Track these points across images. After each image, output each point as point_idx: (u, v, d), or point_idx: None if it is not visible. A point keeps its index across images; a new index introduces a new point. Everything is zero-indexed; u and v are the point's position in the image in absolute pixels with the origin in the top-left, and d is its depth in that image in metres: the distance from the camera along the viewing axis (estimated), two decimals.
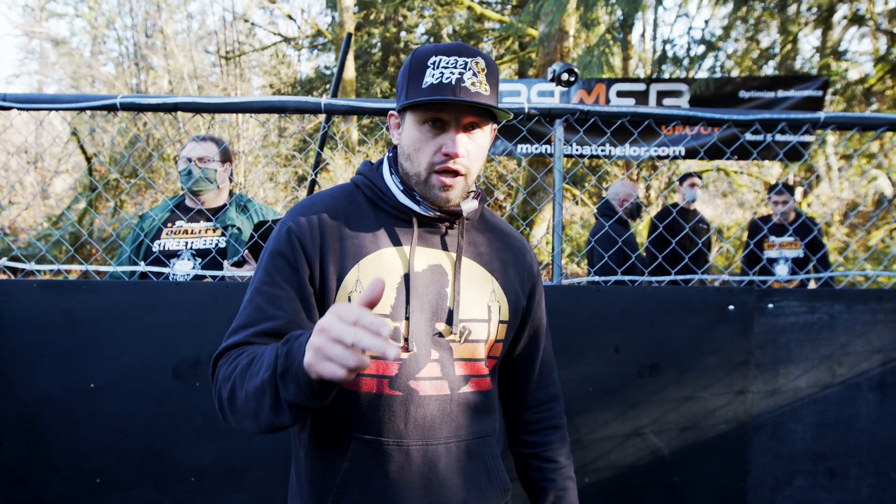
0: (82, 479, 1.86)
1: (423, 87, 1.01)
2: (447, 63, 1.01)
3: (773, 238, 4.33)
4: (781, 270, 4.26)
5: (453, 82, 1.00)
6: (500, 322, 1.12)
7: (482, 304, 1.10)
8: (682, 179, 4.73)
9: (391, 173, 1.12)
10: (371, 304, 0.77)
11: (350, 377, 0.76)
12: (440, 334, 1.07)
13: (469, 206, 1.11)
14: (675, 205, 4.95)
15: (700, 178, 4.69)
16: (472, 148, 1.05)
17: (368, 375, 1.04)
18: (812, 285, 4.01)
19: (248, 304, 1.05)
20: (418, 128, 1.04)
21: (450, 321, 1.07)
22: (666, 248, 3.36)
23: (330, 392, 0.83)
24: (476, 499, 1.08)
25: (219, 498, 1.87)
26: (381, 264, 1.06)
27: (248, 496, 1.88)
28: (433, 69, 1.01)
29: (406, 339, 1.04)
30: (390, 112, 1.14)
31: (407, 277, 1.06)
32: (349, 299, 1.03)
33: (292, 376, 0.82)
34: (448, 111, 1.02)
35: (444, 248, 1.11)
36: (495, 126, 1.15)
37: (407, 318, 1.04)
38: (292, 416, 0.86)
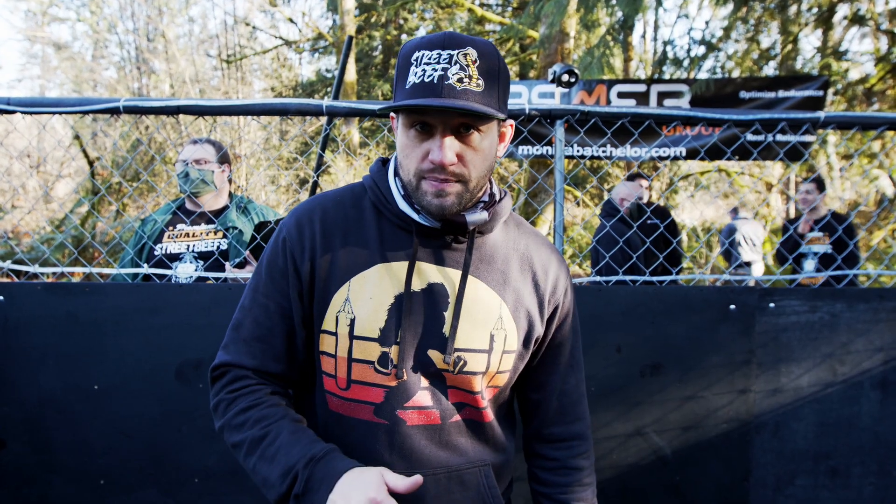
0: (86, 480, 1.86)
1: (407, 87, 0.89)
2: (430, 58, 0.88)
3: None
4: (809, 266, 4.24)
5: (435, 80, 0.87)
6: (505, 352, 1.00)
7: (484, 333, 0.98)
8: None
9: (395, 175, 1.01)
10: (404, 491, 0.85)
11: None
12: (432, 362, 0.97)
13: (476, 217, 0.97)
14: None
15: (645, 178, 4.52)
16: (467, 152, 0.91)
17: (356, 401, 0.98)
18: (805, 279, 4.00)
19: (247, 313, 1.03)
20: (406, 133, 0.93)
21: (443, 349, 0.96)
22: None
23: None
24: None
25: (222, 499, 1.88)
26: (374, 282, 0.97)
27: (251, 498, 1.88)
28: (416, 66, 0.89)
29: (395, 366, 0.95)
30: (391, 114, 1.04)
31: (401, 298, 0.96)
32: (336, 319, 0.97)
33: None
34: (433, 114, 0.89)
35: (450, 263, 0.99)
36: (508, 122, 1.00)
37: (397, 343, 0.95)
38: None
